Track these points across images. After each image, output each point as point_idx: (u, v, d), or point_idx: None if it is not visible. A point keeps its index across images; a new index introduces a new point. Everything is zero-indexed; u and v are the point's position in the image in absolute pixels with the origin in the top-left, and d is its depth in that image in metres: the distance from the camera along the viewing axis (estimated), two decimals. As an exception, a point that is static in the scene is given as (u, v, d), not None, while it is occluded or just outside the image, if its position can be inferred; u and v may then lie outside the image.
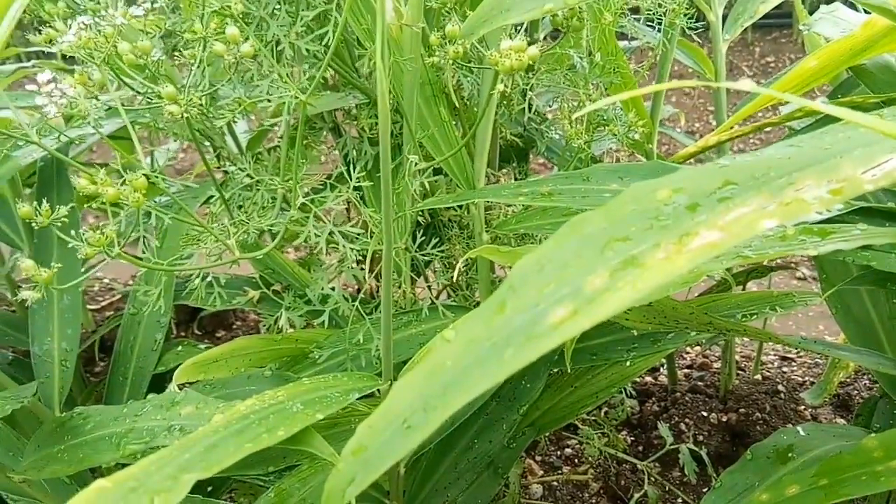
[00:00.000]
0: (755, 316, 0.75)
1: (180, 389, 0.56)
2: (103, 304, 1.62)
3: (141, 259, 0.63)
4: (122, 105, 0.68)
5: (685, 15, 0.64)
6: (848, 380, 1.16)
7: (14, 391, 0.60)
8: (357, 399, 0.50)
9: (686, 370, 1.24)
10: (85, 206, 0.72)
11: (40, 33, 0.68)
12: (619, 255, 0.33)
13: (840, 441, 0.62)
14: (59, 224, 0.42)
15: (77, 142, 0.79)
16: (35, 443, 0.57)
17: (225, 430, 0.39)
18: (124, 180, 0.41)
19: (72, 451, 0.51)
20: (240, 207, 0.72)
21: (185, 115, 0.45)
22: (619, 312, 0.30)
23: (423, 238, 0.71)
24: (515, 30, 0.48)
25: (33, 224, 0.41)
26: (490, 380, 0.30)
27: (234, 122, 0.94)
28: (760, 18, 1.10)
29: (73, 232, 0.43)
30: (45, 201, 0.83)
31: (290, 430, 0.39)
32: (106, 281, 1.73)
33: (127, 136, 1.23)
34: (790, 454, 0.59)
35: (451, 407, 0.31)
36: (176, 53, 0.76)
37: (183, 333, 1.41)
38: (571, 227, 0.35)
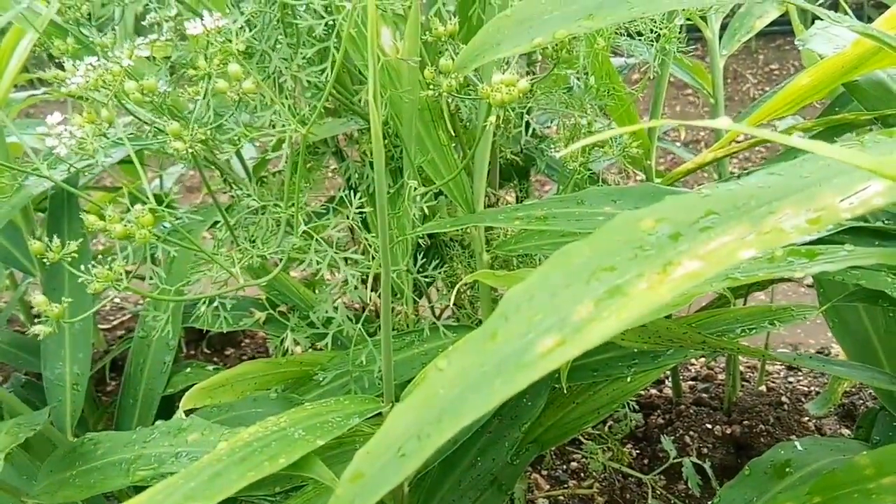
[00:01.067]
0: (754, 330, 0.76)
1: (187, 414, 0.57)
2: (114, 323, 1.65)
3: (151, 282, 0.65)
4: (132, 134, 0.70)
5: (678, 38, 0.66)
6: (853, 389, 1.16)
7: (28, 418, 0.61)
8: (363, 420, 0.51)
9: (691, 382, 1.25)
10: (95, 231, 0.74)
11: (52, 64, 0.70)
12: (604, 284, 0.34)
13: (837, 455, 0.62)
14: (70, 259, 0.43)
15: (85, 172, 0.81)
16: (48, 468, 0.59)
17: (228, 459, 0.40)
18: (131, 217, 0.42)
19: (83, 477, 0.53)
20: (246, 232, 0.74)
21: (190, 150, 0.47)
22: (607, 339, 0.32)
23: (425, 259, 0.72)
24: (507, 63, 0.50)
25: (45, 260, 0.43)
26: (481, 408, 0.32)
27: (240, 148, 0.96)
28: (764, 27, 1.12)
29: (82, 266, 0.45)
30: (56, 231, 0.85)
31: (290, 458, 0.41)
32: (117, 301, 1.75)
33: (138, 160, 1.25)
34: (787, 469, 0.60)
35: (444, 435, 0.32)
36: (183, 82, 0.78)
37: (192, 351, 1.43)
38: (560, 256, 0.37)
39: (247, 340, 1.48)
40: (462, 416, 0.32)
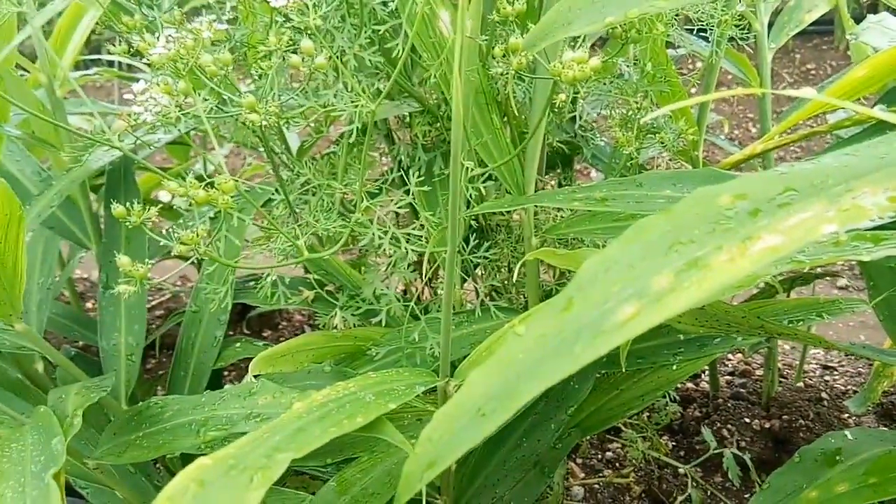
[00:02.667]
0: (801, 322, 0.76)
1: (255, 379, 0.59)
2: (153, 303, 1.68)
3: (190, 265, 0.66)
4: (187, 113, 0.72)
5: (736, 26, 0.66)
6: (892, 389, 1.15)
7: (95, 381, 0.63)
8: (425, 389, 0.52)
9: (728, 377, 1.25)
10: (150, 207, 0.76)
11: (109, 45, 0.72)
12: (683, 257, 0.35)
13: (888, 445, 0.62)
14: (149, 224, 0.45)
15: (147, 146, 0.83)
16: (111, 430, 0.61)
17: (308, 416, 0.42)
18: (210, 183, 0.44)
19: (151, 438, 0.55)
20: (295, 212, 0.75)
21: (263, 122, 0.48)
22: (689, 308, 0.32)
23: (476, 242, 0.73)
24: (574, 42, 0.50)
25: (123, 221, 0.44)
26: (561, 372, 0.33)
27: (289, 129, 0.98)
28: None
29: (144, 237, 0.46)
30: (111, 203, 0.87)
31: (367, 418, 0.42)
32: (155, 280, 1.78)
33: (182, 143, 1.27)
34: (838, 457, 0.60)
35: (524, 396, 0.33)
36: (239, 62, 0.79)
37: (232, 332, 1.46)
38: (636, 230, 0.37)
39: (284, 323, 1.50)
40: (542, 380, 0.33)
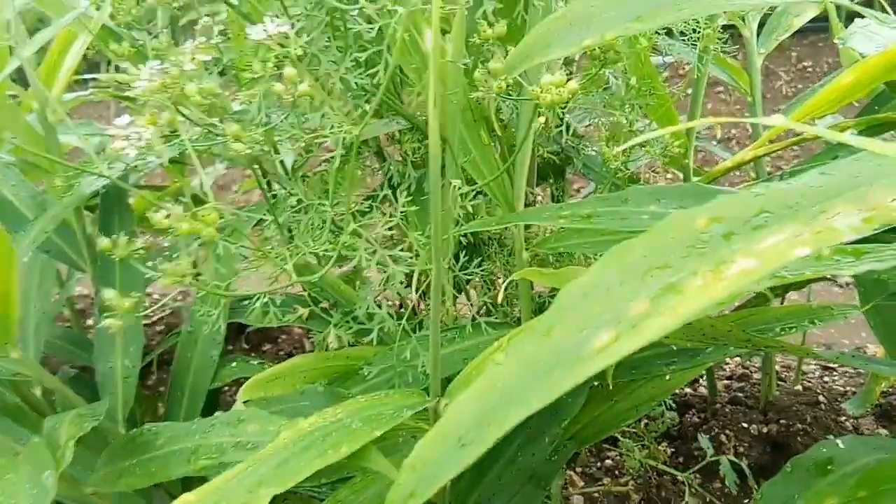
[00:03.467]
0: (794, 329, 0.76)
1: (244, 405, 0.59)
2: (154, 318, 1.68)
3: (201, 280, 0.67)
4: (175, 132, 0.72)
5: (720, 39, 0.66)
6: (890, 389, 1.15)
7: (89, 409, 0.64)
8: (412, 413, 0.52)
9: (726, 381, 1.25)
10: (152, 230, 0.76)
11: (107, 68, 0.72)
12: (659, 282, 0.35)
13: (880, 453, 0.62)
14: (136, 256, 0.45)
15: (138, 170, 0.83)
16: (106, 457, 0.61)
17: (293, 447, 0.42)
18: (195, 214, 0.44)
19: (144, 465, 0.55)
20: (289, 231, 0.75)
21: (248, 150, 0.48)
22: (663, 335, 0.32)
23: (466, 258, 0.73)
24: (554, 64, 0.51)
25: (96, 259, 0.45)
26: (541, 400, 0.33)
27: (293, 150, 0.98)
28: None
29: (137, 264, 0.47)
30: (106, 226, 0.87)
31: (352, 447, 0.42)
32: (156, 297, 1.79)
33: (179, 161, 1.28)
34: (829, 466, 0.60)
35: (505, 425, 0.33)
36: (230, 85, 0.80)
37: (231, 347, 1.46)
38: (614, 254, 0.38)
39: (283, 336, 1.51)
40: (522, 407, 0.33)
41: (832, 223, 0.36)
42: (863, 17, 0.95)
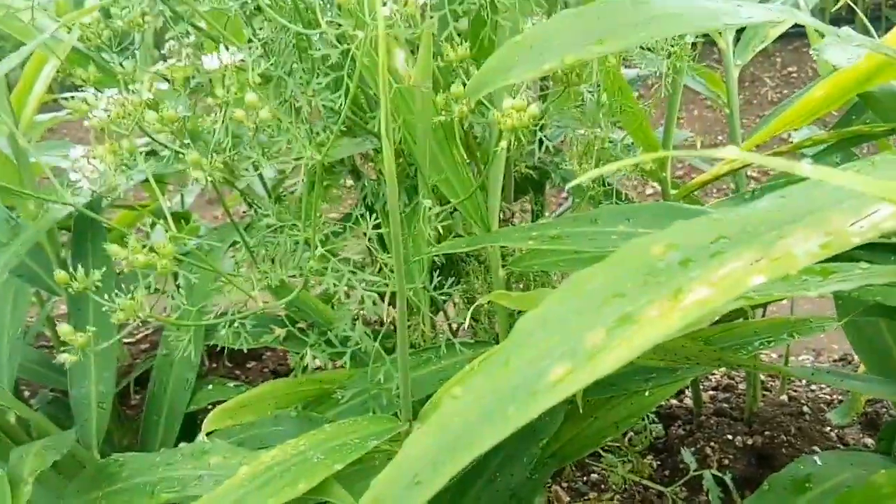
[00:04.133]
0: (773, 343, 0.75)
1: (209, 435, 0.58)
2: (138, 336, 1.67)
3: (173, 301, 0.66)
4: (151, 153, 0.72)
5: (689, 56, 0.66)
6: (876, 398, 1.15)
7: (55, 439, 0.63)
8: (379, 441, 0.52)
9: (712, 392, 1.24)
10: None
11: (73, 90, 0.72)
12: (615, 311, 0.34)
13: (858, 469, 0.62)
14: (94, 289, 0.45)
15: (107, 196, 0.82)
16: (75, 488, 0.60)
17: (250, 484, 0.41)
18: (152, 244, 0.44)
19: (110, 498, 0.54)
20: (265, 250, 0.75)
21: (210, 178, 0.48)
22: (618, 367, 0.32)
23: (441, 276, 0.73)
24: (518, 88, 0.50)
25: (69, 289, 0.44)
26: (494, 437, 0.32)
27: (259, 172, 0.97)
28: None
29: (107, 292, 0.46)
30: (79, 250, 0.86)
31: (310, 483, 0.42)
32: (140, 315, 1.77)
33: (159, 178, 1.27)
34: (807, 484, 0.60)
35: (458, 464, 0.33)
36: (201, 106, 0.79)
37: (215, 364, 1.45)
38: (574, 282, 0.37)
39: (268, 353, 1.49)
40: (475, 446, 0.33)
41: (790, 249, 0.35)
42: (840, 25, 0.95)
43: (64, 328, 0.44)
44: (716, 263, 0.35)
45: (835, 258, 0.54)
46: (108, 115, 0.46)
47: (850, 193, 0.39)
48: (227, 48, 0.45)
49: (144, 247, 0.45)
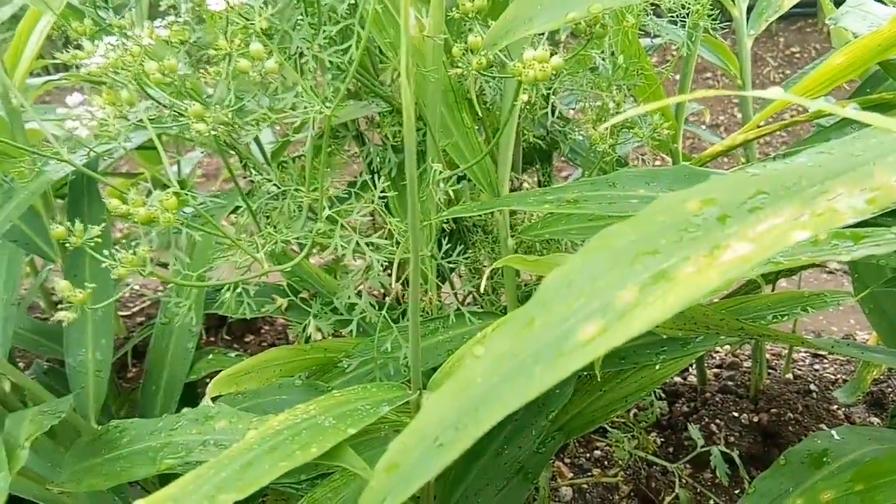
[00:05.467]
0: (786, 317, 0.74)
1: (213, 402, 0.57)
2: (134, 310, 1.65)
3: (173, 268, 0.64)
4: (150, 119, 0.69)
5: (709, 16, 0.63)
6: (881, 377, 1.14)
7: (51, 405, 0.61)
8: (391, 408, 0.50)
9: (716, 370, 1.23)
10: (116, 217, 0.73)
11: (68, 48, 0.69)
12: (648, 269, 0.32)
13: (875, 444, 0.61)
14: (92, 244, 0.42)
15: (105, 156, 0.80)
16: (73, 455, 0.59)
17: (259, 448, 0.39)
18: (153, 201, 0.41)
19: (109, 465, 0.52)
20: (267, 217, 0.72)
21: (212, 132, 0.46)
22: (653, 326, 0.30)
23: (449, 245, 0.71)
24: (538, 39, 0.48)
25: (67, 246, 0.42)
26: (520, 398, 0.31)
27: (261, 131, 0.95)
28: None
29: (105, 252, 0.44)
30: (77, 217, 0.84)
31: (322, 447, 0.40)
32: (136, 287, 1.75)
33: (155, 147, 1.24)
34: (824, 459, 0.59)
35: (482, 425, 0.31)
36: (202, 66, 0.77)
37: (213, 338, 1.43)
38: (601, 239, 0.35)
39: (266, 327, 1.48)
40: (500, 406, 0.31)
41: (833, 205, 0.34)
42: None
43: (61, 284, 0.42)
44: (755, 219, 0.33)
45: (862, 224, 0.53)
46: (107, 62, 0.43)
47: (893, 147, 0.37)
48: (232, -10, 0.43)
49: (145, 202, 0.43)
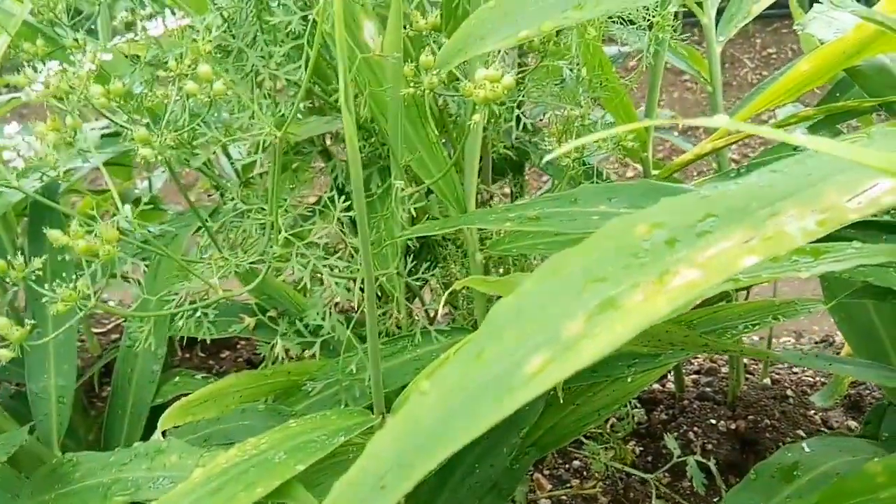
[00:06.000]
0: (757, 326, 0.74)
1: (165, 434, 0.55)
2: (109, 326, 1.63)
3: (135, 288, 0.63)
4: (117, 133, 0.67)
5: (672, 26, 0.63)
6: (859, 380, 1.14)
7: (7, 436, 0.59)
8: (347, 437, 0.49)
9: (694, 376, 1.23)
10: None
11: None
12: (596, 296, 0.32)
13: (846, 456, 0.60)
14: (35, 277, 0.41)
15: (63, 180, 0.78)
16: (29, 488, 0.57)
17: (202, 489, 0.38)
18: (94, 231, 0.40)
19: (63, 500, 0.51)
20: (231, 236, 0.71)
21: (160, 156, 0.44)
22: (601, 357, 0.29)
23: (416, 260, 0.70)
24: (492, 58, 0.47)
25: (6, 280, 0.41)
26: (467, 436, 0.30)
27: (227, 146, 0.93)
28: (762, 10, 1.08)
29: (49, 282, 0.43)
30: (35, 235, 0.82)
31: (268, 487, 0.38)
32: (112, 303, 1.73)
33: (125, 161, 1.22)
34: (795, 472, 0.58)
35: (426, 465, 0.30)
36: (159, 83, 0.75)
37: (188, 355, 1.41)
38: (551, 266, 0.34)
39: (242, 342, 1.46)
40: (446, 445, 0.30)
41: (783, 227, 0.33)
42: (821, 1, 0.93)
43: (1, 321, 0.41)
44: (704, 243, 0.33)
45: (826, 238, 0.52)
46: (49, 88, 0.42)
47: (845, 167, 0.36)
48: (173, 13, 0.42)
49: (90, 232, 0.41)
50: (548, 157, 0.55)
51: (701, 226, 0.34)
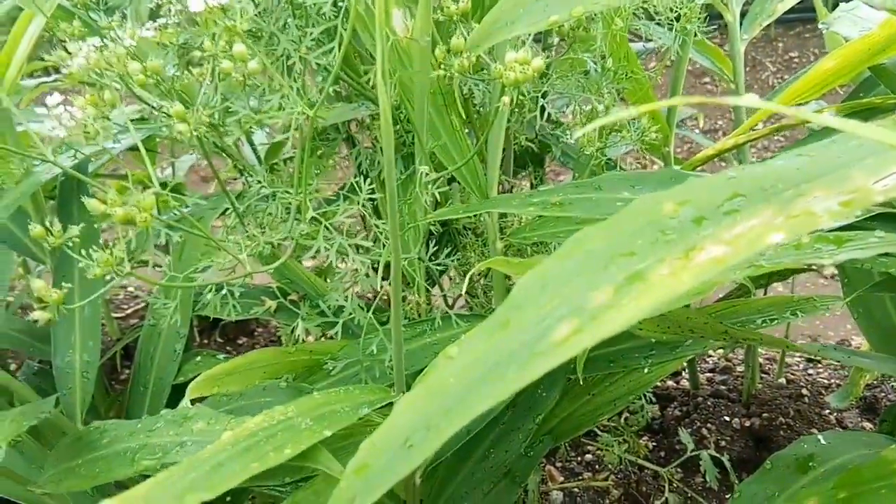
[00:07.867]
0: (776, 321, 0.74)
1: (193, 403, 0.56)
2: (128, 311, 1.65)
3: (160, 269, 0.64)
4: (144, 119, 0.69)
5: (699, 19, 0.63)
6: (874, 382, 1.14)
7: (34, 406, 0.61)
8: (374, 410, 0.50)
9: (709, 374, 1.23)
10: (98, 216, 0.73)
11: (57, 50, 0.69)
12: (623, 270, 0.32)
13: (862, 449, 0.60)
14: (72, 243, 0.42)
15: (94, 158, 0.80)
16: (55, 456, 0.58)
17: (232, 449, 0.39)
18: (133, 200, 0.41)
19: (89, 466, 0.52)
20: (255, 219, 0.72)
21: (195, 133, 0.45)
22: (626, 327, 0.30)
23: (437, 247, 0.71)
24: (522, 41, 0.48)
25: (49, 247, 0.42)
26: (492, 399, 0.30)
27: (252, 132, 0.95)
28: (783, 14, 1.08)
29: (82, 252, 0.44)
30: (64, 215, 0.84)
31: (297, 448, 0.40)
32: (131, 289, 1.75)
33: (149, 147, 1.24)
34: (811, 463, 0.58)
35: (452, 426, 0.31)
36: (192, 67, 0.77)
37: (206, 340, 1.43)
38: (575, 241, 0.35)
39: (259, 329, 1.47)
40: (472, 407, 0.31)
41: (809, 207, 0.33)
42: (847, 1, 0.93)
43: (37, 283, 0.42)
44: (731, 221, 0.33)
45: (848, 227, 0.52)
46: (89, 63, 0.43)
47: (871, 151, 0.37)
48: (211, -8, 0.43)
49: (125, 202, 0.43)
50: (573, 141, 0.55)
51: (728, 205, 0.35)
